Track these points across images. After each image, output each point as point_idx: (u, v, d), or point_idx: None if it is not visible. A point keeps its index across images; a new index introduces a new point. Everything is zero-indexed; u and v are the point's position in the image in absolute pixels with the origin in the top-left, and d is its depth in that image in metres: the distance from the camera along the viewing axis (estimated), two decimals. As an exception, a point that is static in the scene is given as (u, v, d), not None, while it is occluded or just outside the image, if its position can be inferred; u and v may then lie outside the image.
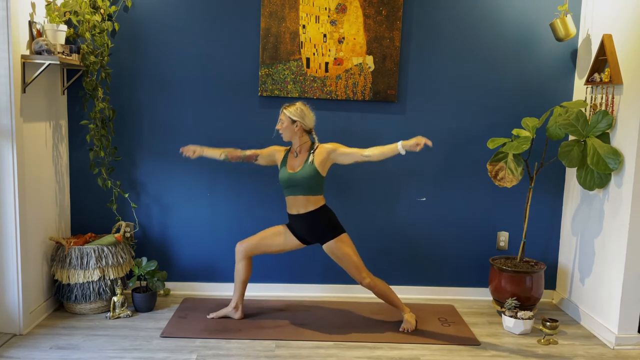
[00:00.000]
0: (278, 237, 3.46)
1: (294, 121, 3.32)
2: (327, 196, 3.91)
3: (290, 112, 3.32)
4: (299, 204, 3.35)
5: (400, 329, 3.44)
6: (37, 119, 3.37)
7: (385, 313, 3.69)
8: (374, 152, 3.24)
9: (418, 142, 3.14)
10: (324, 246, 3.39)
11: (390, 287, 3.54)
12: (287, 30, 3.75)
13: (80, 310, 3.55)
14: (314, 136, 3.39)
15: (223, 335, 3.30)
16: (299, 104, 3.35)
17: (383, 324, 3.54)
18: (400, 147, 3.17)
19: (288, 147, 3.46)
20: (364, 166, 3.89)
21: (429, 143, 3.14)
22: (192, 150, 3.48)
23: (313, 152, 3.33)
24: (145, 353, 3.06)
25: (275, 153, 3.47)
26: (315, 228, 3.37)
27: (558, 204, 4.05)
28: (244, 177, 3.91)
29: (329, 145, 3.33)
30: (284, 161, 3.41)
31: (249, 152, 3.47)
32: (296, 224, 3.42)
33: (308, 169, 3.30)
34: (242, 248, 3.46)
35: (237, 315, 3.52)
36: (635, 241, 3.28)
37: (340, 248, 3.36)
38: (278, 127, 3.37)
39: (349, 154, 3.29)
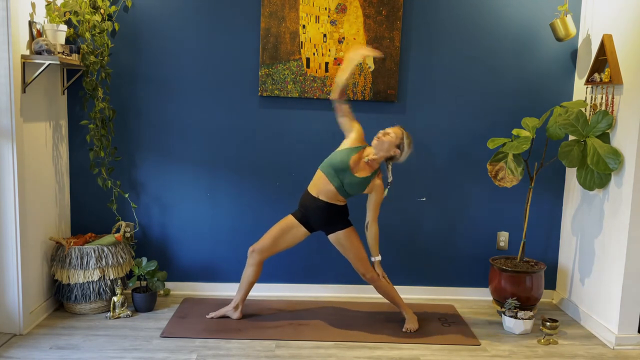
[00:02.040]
0: (288, 233, 3.42)
1: (398, 146, 3.31)
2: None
3: (407, 143, 3.32)
4: (326, 193, 3.32)
5: (404, 329, 3.44)
6: (37, 119, 3.37)
7: (385, 313, 3.69)
8: (370, 237, 3.40)
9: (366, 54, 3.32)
10: (331, 236, 3.40)
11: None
12: (287, 30, 3.75)
13: (80, 310, 3.55)
14: (389, 168, 3.41)
15: (223, 335, 3.30)
16: (411, 144, 3.34)
17: (383, 324, 3.54)
18: (374, 259, 3.44)
19: (365, 144, 3.38)
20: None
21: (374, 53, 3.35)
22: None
23: (375, 176, 3.32)
24: (145, 353, 3.06)
25: (353, 134, 3.35)
26: (327, 217, 3.36)
27: (558, 204, 4.05)
28: (244, 177, 3.91)
29: (375, 190, 3.33)
30: (354, 150, 3.32)
31: (345, 108, 3.34)
32: (308, 207, 3.37)
33: (363, 184, 3.30)
34: (256, 253, 3.44)
35: (236, 315, 3.52)
36: (635, 241, 3.28)
37: (349, 238, 3.38)
38: (382, 135, 3.29)
39: (369, 207, 3.37)
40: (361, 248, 3.42)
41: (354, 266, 3.45)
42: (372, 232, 3.38)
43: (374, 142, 3.31)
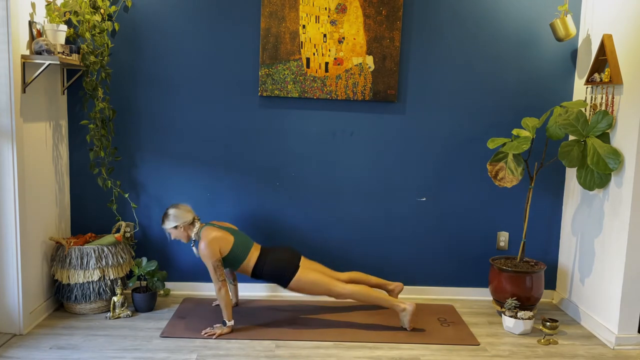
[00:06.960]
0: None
1: (176, 227, 3.39)
2: (326, 198, 3.92)
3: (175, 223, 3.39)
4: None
5: (409, 329, 3.44)
6: (37, 119, 3.37)
7: (385, 313, 3.69)
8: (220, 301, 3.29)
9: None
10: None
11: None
12: (287, 30, 3.75)
13: (80, 310, 3.55)
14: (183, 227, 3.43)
15: (223, 335, 3.30)
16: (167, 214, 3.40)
17: (383, 324, 3.54)
18: (228, 323, 3.31)
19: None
20: (362, 167, 3.90)
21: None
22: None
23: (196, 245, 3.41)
24: (145, 353, 3.06)
25: (221, 246, 3.33)
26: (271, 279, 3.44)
27: (558, 204, 4.05)
28: (244, 177, 3.91)
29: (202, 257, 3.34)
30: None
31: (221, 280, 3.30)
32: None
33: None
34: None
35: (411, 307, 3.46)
36: (635, 241, 3.28)
37: (305, 278, 3.40)
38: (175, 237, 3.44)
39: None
40: (321, 275, 3.41)
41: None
42: (220, 295, 3.28)
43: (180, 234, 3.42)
